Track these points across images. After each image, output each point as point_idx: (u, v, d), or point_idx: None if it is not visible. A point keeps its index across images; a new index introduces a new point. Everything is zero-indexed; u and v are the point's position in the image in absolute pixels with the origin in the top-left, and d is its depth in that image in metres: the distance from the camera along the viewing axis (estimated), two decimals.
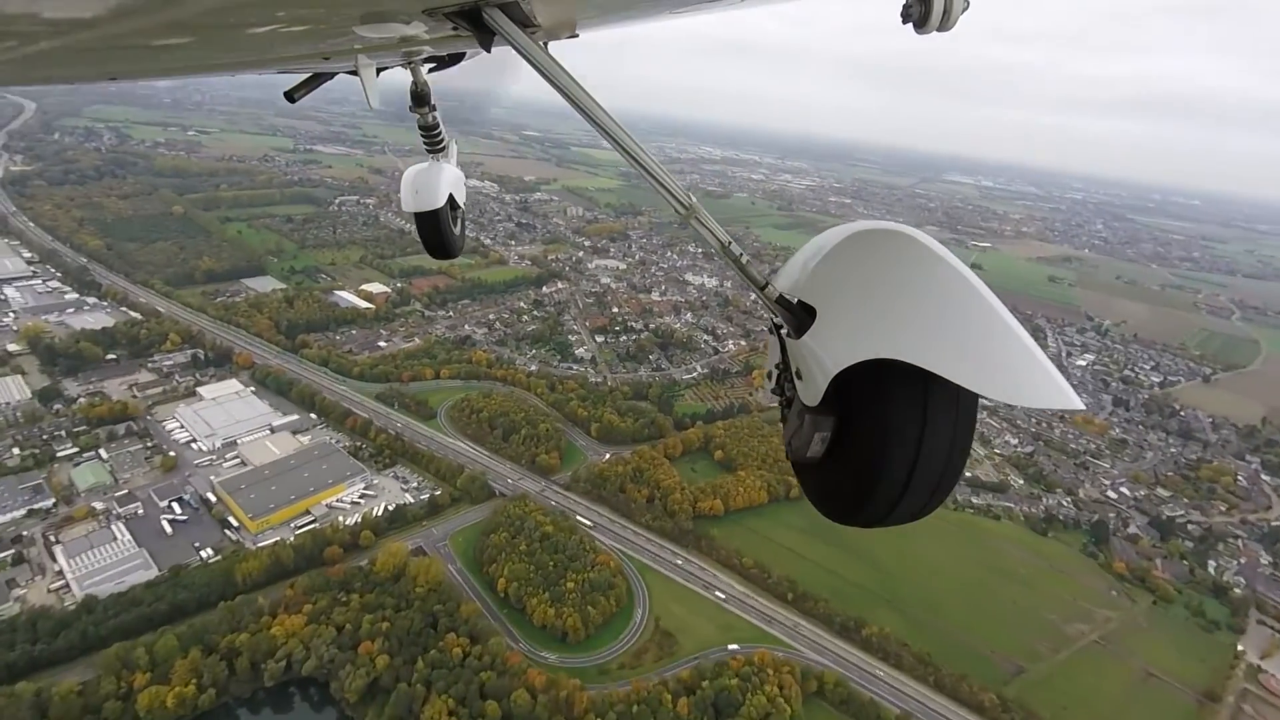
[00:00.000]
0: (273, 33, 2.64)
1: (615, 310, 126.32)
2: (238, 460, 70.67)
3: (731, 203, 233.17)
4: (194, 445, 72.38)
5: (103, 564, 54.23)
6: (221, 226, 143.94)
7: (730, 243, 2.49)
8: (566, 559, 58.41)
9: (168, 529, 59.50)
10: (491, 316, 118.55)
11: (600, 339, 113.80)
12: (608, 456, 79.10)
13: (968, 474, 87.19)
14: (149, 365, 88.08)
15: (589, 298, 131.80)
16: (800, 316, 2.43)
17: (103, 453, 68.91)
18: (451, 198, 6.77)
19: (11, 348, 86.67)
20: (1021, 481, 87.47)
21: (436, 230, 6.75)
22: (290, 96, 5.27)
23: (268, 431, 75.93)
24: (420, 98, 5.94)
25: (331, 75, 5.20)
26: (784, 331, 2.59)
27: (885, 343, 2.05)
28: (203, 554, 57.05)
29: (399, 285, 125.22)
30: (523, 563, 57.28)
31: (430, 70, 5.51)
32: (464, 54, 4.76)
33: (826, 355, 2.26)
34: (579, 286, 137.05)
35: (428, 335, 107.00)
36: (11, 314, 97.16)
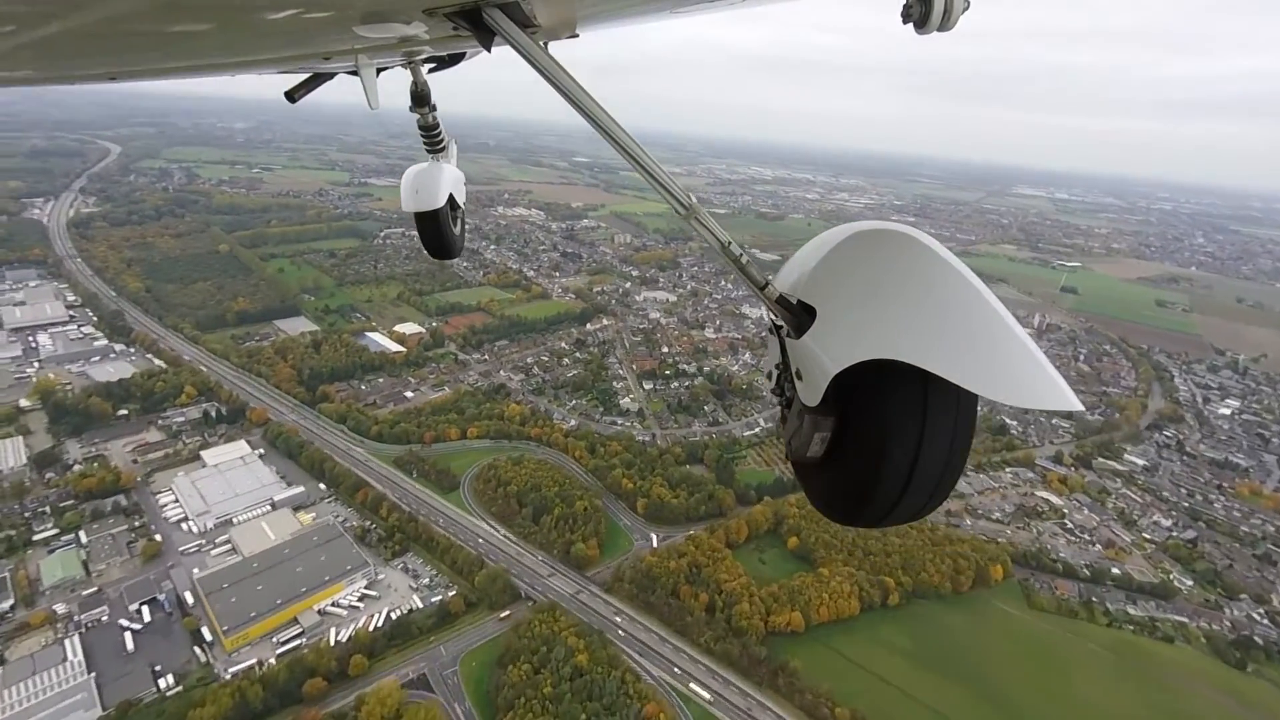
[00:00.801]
0: (271, 28, 2.60)
1: (665, 350, 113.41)
2: (228, 546, 60.93)
3: (787, 224, 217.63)
4: (185, 525, 63.33)
5: (39, 698, 44.31)
6: (263, 264, 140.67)
7: (730, 242, 2.50)
8: (604, 710, 44.71)
9: (129, 643, 49.62)
10: (530, 360, 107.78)
11: (649, 385, 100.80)
12: (656, 543, 65.48)
13: (1115, 571, 68.47)
14: (159, 422, 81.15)
15: (636, 336, 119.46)
16: (800, 316, 2.42)
17: (83, 535, 60.40)
18: (451, 198, 6.73)
19: (24, 403, 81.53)
20: (1190, 583, 67.76)
21: (437, 230, 6.68)
22: (290, 96, 5.23)
23: (268, 508, 66.18)
24: (420, 98, 5.92)
25: (331, 75, 5.20)
26: (784, 331, 2.57)
27: (885, 343, 2.05)
28: (161, 682, 46.50)
29: (433, 324, 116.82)
30: (547, 716, 43.92)
31: (430, 70, 5.45)
32: (464, 54, 4.73)
33: (826, 355, 2.25)
34: (626, 323, 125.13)
35: (458, 385, 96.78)
36: (36, 363, 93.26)
